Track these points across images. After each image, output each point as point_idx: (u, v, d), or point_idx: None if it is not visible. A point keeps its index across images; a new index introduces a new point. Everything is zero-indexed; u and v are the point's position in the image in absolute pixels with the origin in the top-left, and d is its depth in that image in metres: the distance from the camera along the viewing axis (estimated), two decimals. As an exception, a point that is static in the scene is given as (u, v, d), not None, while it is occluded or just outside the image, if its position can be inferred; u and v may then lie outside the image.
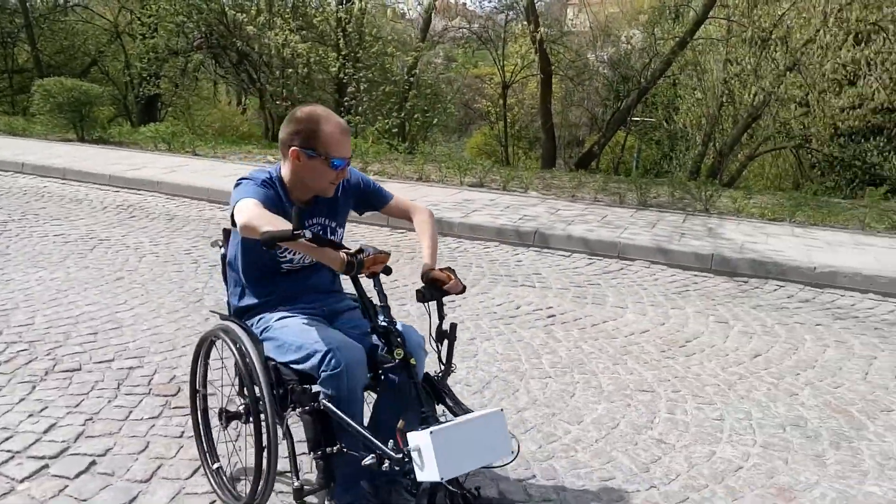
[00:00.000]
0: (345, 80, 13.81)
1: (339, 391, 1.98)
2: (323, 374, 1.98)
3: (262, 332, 2.20)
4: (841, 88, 11.71)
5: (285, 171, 2.19)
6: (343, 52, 13.52)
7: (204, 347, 2.39)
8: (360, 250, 1.93)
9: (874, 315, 4.87)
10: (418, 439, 1.71)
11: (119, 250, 5.45)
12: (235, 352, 2.12)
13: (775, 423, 3.16)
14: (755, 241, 6.33)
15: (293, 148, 2.12)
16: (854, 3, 9.86)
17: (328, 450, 2.00)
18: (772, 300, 5.08)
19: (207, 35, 15.45)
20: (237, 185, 2.14)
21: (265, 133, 17.28)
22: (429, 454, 1.68)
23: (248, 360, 2.07)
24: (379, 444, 1.87)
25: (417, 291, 2.13)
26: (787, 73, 11.05)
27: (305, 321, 2.16)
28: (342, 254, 1.90)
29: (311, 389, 2.06)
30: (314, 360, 2.00)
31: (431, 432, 1.69)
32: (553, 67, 14.34)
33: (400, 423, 1.85)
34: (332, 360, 1.97)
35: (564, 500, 2.48)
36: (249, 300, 2.29)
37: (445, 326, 2.13)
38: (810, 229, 7.08)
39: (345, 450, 1.99)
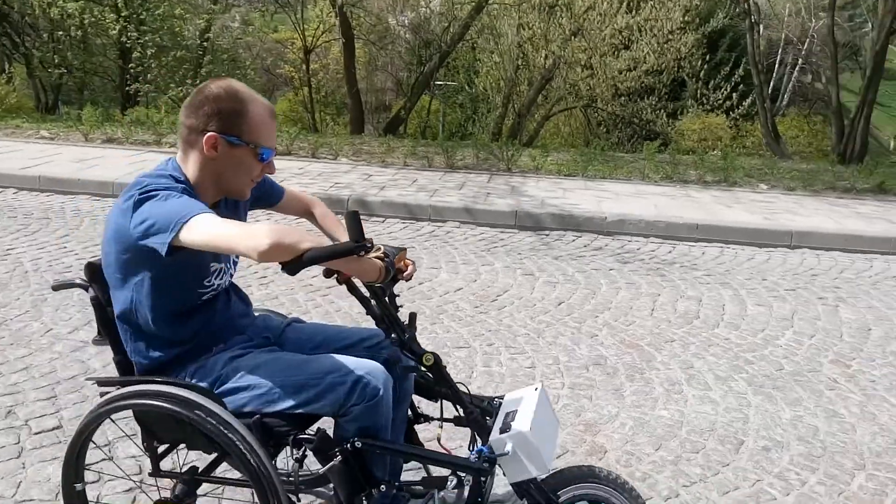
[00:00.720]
0: (128, 45, 12.54)
1: (377, 421, 1.67)
2: (355, 409, 1.65)
3: (215, 385, 1.71)
4: (618, 52, 12.85)
5: (191, 167, 1.70)
6: (123, 14, 12.23)
7: (81, 442, 1.73)
8: (386, 254, 1.68)
9: (656, 257, 5.45)
10: (510, 441, 1.64)
11: None
12: (192, 416, 1.58)
13: (580, 365, 3.43)
14: (554, 195, 6.77)
15: (210, 134, 1.64)
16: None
17: (374, 491, 1.72)
18: (571, 250, 5.48)
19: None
20: (147, 199, 1.57)
21: (37, 105, 15.25)
22: (529, 451, 1.64)
23: (217, 424, 1.58)
24: (460, 460, 1.74)
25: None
26: (573, 37, 11.85)
27: (276, 356, 1.78)
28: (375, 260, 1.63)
29: (325, 432, 1.72)
30: (338, 394, 1.64)
31: (531, 429, 1.63)
32: (355, 32, 14.11)
33: (439, 432, 1.83)
34: (369, 388, 1.64)
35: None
36: (168, 351, 1.73)
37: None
38: (600, 182, 7.72)
39: (396, 484, 1.76)
